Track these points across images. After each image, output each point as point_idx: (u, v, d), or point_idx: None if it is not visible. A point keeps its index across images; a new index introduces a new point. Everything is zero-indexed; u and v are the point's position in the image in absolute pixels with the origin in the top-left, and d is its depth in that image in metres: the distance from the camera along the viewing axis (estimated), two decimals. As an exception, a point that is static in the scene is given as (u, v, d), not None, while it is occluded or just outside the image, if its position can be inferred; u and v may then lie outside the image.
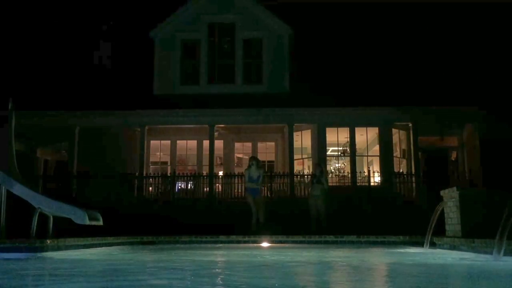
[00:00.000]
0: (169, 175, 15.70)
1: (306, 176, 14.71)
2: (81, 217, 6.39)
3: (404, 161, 16.07)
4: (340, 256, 6.47)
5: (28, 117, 13.51)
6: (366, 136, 16.54)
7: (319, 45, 16.60)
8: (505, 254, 4.82)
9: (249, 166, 11.15)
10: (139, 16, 17.85)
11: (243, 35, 16.91)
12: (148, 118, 15.81)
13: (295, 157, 15.77)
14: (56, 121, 15.52)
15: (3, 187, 6.78)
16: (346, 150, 16.49)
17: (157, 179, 15.33)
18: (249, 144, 17.35)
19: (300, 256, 6.18)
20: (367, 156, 17.36)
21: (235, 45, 16.93)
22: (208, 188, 14.87)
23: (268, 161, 17.59)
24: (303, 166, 16.36)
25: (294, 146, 15.53)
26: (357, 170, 15.53)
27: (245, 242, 9.39)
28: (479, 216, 6.38)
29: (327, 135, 15.68)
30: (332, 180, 15.97)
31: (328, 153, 16.75)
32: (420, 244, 7.58)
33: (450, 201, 7.01)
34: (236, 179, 14.45)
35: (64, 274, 3.94)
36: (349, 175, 15.53)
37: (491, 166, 14.18)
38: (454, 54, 15.88)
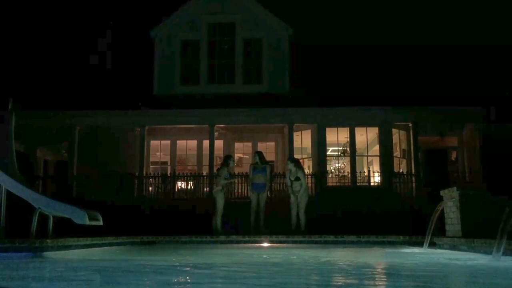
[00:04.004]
0: (169, 175, 15.71)
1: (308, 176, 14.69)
2: (81, 217, 6.38)
3: (404, 161, 16.06)
4: (339, 256, 6.47)
5: (28, 117, 13.49)
6: (366, 136, 16.54)
7: (319, 45, 16.59)
8: (505, 254, 4.82)
9: (255, 162, 11.10)
10: (139, 16, 17.86)
11: (243, 35, 16.91)
12: (148, 118, 15.81)
13: (295, 157, 15.73)
14: (56, 121, 15.51)
15: (3, 187, 6.77)
16: (346, 150, 16.49)
17: (157, 179, 15.34)
18: (249, 144, 17.35)
19: (300, 255, 6.18)
20: (367, 156, 17.36)
21: (235, 45, 16.94)
22: (208, 188, 14.85)
23: (268, 161, 17.54)
24: (303, 166, 16.34)
25: (294, 146, 15.52)
26: (357, 170, 15.54)
27: (245, 242, 9.39)
28: (479, 216, 6.38)
29: (327, 135, 15.67)
30: (332, 180, 15.99)
31: (328, 153, 16.74)
32: (420, 244, 7.57)
33: (450, 201, 7.01)
34: (236, 179, 14.42)
35: (63, 275, 3.94)
36: (349, 175, 15.53)
37: (491, 166, 14.17)
38: (454, 54, 15.88)
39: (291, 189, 10.61)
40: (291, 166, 10.66)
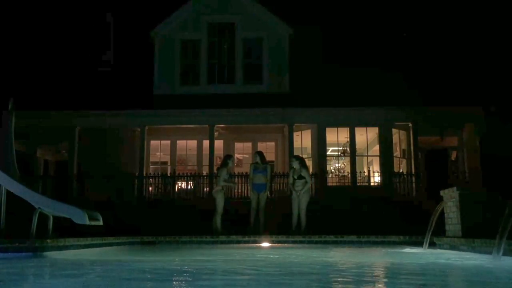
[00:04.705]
0: (169, 175, 15.72)
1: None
2: (81, 217, 6.37)
3: (404, 161, 16.07)
4: (338, 256, 6.47)
5: (28, 117, 13.47)
6: (366, 136, 16.55)
7: (319, 45, 16.58)
8: (505, 254, 4.82)
9: (255, 161, 11.08)
10: (139, 16, 17.85)
11: (243, 35, 16.91)
12: (148, 118, 15.82)
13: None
14: (56, 121, 15.52)
15: (3, 187, 6.77)
16: (346, 150, 16.50)
17: (157, 179, 15.35)
18: (249, 144, 17.36)
19: (299, 256, 6.19)
20: (367, 156, 17.37)
21: (235, 45, 16.94)
22: (208, 188, 14.87)
23: (268, 161, 17.55)
24: (303, 166, 16.34)
25: (294, 146, 15.53)
26: (357, 170, 15.55)
27: (245, 242, 9.39)
28: (479, 216, 6.38)
29: (327, 135, 15.68)
30: (332, 180, 16.00)
31: (328, 153, 16.75)
32: (420, 244, 7.57)
33: (450, 201, 7.01)
34: (237, 179, 14.44)
35: (63, 274, 3.94)
36: (349, 175, 15.54)
37: (491, 166, 14.18)
38: (455, 54, 15.88)
39: (292, 186, 10.55)
40: (295, 164, 10.58)
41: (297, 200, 10.43)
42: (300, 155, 12.11)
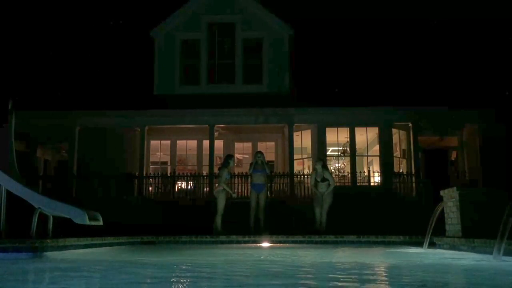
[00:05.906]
0: (169, 175, 15.72)
1: (306, 176, 14.68)
2: (81, 217, 6.38)
3: (404, 161, 16.07)
4: (338, 256, 6.47)
5: (28, 117, 13.47)
6: (366, 136, 16.54)
7: (319, 45, 16.59)
8: (505, 254, 4.82)
9: (255, 161, 11.14)
10: (139, 16, 17.85)
11: (243, 35, 16.91)
12: (148, 118, 15.81)
13: (295, 157, 15.77)
14: (56, 121, 15.51)
15: (3, 187, 6.77)
16: (346, 150, 16.50)
17: (157, 179, 15.34)
18: (249, 144, 17.36)
19: (301, 256, 6.19)
20: (367, 156, 17.36)
21: (235, 45, 16.94)
22: (208, 188, 14.87)
23: (268, 161, 17.54)
24: (303, 166, 16.37)
25: (294, 146, 15.53)
26: (357, 170, 15.54)
27: (245, 242, 9.39)
28: (479, 216, 6.38)
29: (327, 135, 15.68)
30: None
31: (328, 153, 16.75)
32: (420, 244, 7.58)
33: (450, 201, 7.02)
34: (237, 179, 14.44)
35: (63, 275, 3.94)
36: (349, 175, 15.54)
37: (491, 166, 14.17)
38: (454, 54, 15.88)
39: (315, 188, 10.72)
40: (318, 166, 10.80)
41: (320, 199, 10.62)
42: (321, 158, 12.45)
